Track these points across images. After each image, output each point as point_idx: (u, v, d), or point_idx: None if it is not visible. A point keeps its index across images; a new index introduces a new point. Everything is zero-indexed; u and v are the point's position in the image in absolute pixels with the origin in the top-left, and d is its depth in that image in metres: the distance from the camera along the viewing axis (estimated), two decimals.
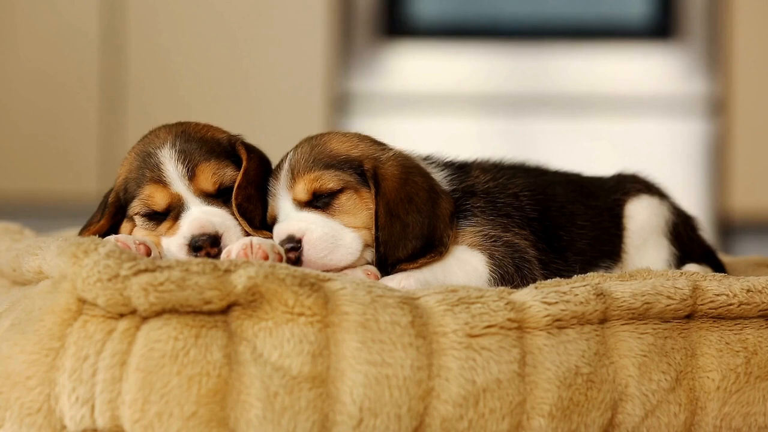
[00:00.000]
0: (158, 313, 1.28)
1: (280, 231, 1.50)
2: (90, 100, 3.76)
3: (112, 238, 1.46)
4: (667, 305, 1.38)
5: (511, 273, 1.51)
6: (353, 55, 3.86)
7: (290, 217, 1.50)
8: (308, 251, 1.47)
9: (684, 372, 1.37)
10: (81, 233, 1.58)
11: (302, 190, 1.51)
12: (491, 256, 1.51)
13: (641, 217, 1.67)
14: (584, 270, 1.57)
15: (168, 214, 1.53)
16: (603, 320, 1.37)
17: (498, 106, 3.83)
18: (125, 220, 1.56)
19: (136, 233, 1.54)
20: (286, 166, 1.53)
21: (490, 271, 1.51)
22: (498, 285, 1.49)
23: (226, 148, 1.57)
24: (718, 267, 1.73)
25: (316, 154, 1.53)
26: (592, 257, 1.62)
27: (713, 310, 1.41)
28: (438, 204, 1.52)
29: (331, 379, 1.27)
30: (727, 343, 1.39)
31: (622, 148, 3.79)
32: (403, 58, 3.86)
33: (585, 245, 1.62)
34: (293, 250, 1.47)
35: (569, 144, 3.77)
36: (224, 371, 1.25)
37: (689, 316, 1.41)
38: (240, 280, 1.28)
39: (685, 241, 1.70)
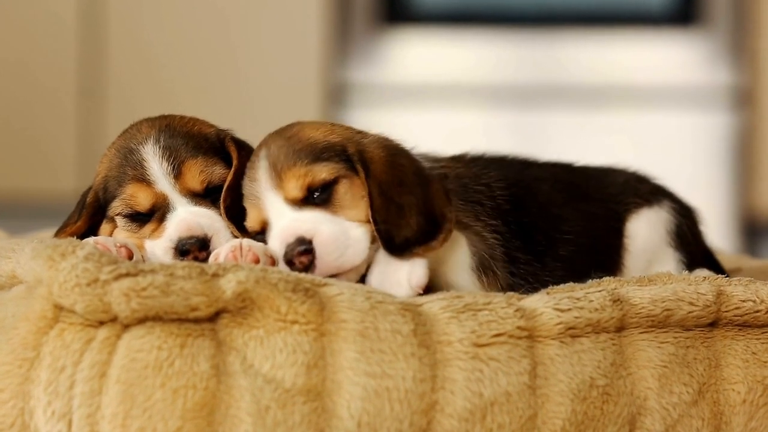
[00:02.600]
0: (141, 321, 1.28)
1: (285, 234, 1.42)
2: (67, 92, 3.76)
3: (91, 240, 1.46)
4: (689, 312, 1.39)
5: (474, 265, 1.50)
6: (351, 42, 3.86)
7: (289, 218, 1.45)
8: (321, 253, 1.41)
9: (707, 384, 1.37)
10: (57, 235, 1.58)
11: (295, 187, 1.45)
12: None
13: (643, 235, 1.67)
14: (568, 279, 1.53)
15: (152, 216, 1.52)
16: (620, 328, 1.37)
17: (506, 97, 3.84)
18: (105, 221, 1.56)
19: (116, 235, 1.54)
20: (263, 164, 1.47)
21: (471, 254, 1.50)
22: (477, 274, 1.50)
23: (214, 144, 1.57)
24: (717, 269, 1.73)
25: (295, 145, 1.48)
26: (581, 266, 1.60)
27: (738, 318, 1.41)
28: (429, 184, 1.49)
29: (327, 392, 1.27)
30: (753, 353, 1.40)
31: (640, 143, 3.80)
32: (404, 46, 3.87)
33: (570, 252, 1.61)
34: (306, 252, 1.41)
35: (583, 138, 3.77)
36: (212, 383, 1.25)
37: (713, 324, 1.41)
38: (229, 285, 1.28)
39: (690, 241, 1.70)
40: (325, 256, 1.41)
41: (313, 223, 1.43)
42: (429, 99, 3.82)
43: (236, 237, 1.50)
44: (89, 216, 1.57)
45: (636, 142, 3.79)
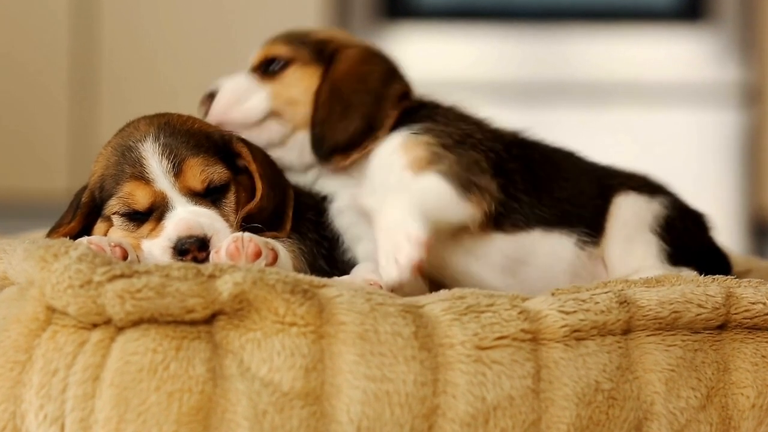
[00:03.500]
0: (135, 323, 1.28)
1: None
2: (59, 87, 3.76)
3: (84, 239, 1.46)
4: (698, 314, 1.39)
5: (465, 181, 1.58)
6: None
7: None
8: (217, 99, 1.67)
9: (716, 388, 1.37)
10: (49, 235, 1.58)
11: (256, 57, 1.70)
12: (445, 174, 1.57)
13: (628, 209, 1.68)
14: (558, 220, 1.63)
15: (150, 215, 1.52)
16: (626, 331, 1.37)
17: (510, 94, 3.84)
18: (100, 220, 1.56)
19: (112, 234, 1.53)
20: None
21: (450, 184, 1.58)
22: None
23: (216, 143, 1.56)
24: (724, 270, 1.73)
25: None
26: (570, 214, 1.65)
27: (748, 320, 1.41)
28: (390, 85, 1.61)
29: (326, 395, 1.27)
30: (763, 356, 1.40)
31: (646, 141, 3.80)
32: (404, 42, 3.87)
33: (564, 197, 1.66)
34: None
35: (588, 137, 3.76)
36: (208, 387, 1.25)
37: (722, 327, 1.41)
38: (225, 286, 1.29)
39: (682, 237, 1.69)
40: (218, 102, 1.68)
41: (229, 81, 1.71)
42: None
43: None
44: (84, 216, 1.56)
45: (642, 140, 3.79)
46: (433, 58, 3.85)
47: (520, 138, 1.73)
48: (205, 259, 1.47)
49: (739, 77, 3.82)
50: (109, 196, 1.53)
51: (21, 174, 3.77)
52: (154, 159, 1.52)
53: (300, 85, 1.68)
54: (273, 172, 1.60)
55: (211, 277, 1.30)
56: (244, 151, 1.57)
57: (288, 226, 1.59)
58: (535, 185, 1.65)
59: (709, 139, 3.83)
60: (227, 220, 1.52)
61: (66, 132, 3.76)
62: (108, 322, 1.28)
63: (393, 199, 1.54)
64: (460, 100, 1.74)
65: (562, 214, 1.65)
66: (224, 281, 1.29)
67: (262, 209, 1.55)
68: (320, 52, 1.69)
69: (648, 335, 1.38)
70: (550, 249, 1.65)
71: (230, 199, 1.55)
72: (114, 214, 1.53)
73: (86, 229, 1.57)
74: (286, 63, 1.69)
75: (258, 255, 1.42)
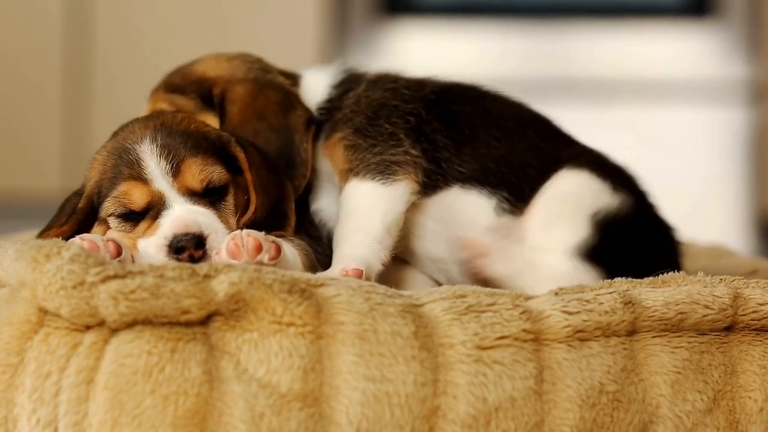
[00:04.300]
0: (129, 325, 1.28)
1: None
2: (52, 86, 3.76)
3: (77, 238, 1.46)
4: (704, 316, 1.39)
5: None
6: (349, 34, 3.87)
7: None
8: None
9: (723, 391, 1.37)
10: (41, 236, 1.57)
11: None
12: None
13: (567, 189, 1.63)
14: (473, 179, 1.63)
15: (146, 215, 1.52)
16: (631, 332, 1.37)
17: (513, 92, 3.83)
18: (97, 223, 1.56)
19: (108, 236, 1.53)
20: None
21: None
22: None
23: (214, 144, 1.57)
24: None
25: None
26: (493, 174, 1.63)
27: (756, 322, 1.41)
28: (291, 113, 1.62)
29: (324, 397, 1.27)
30: None
31: (651, 139, 3.80)
32: (405, 38, 3.87)
33: (491, 156, 1.64)
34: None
35: (592, 134, 3.74)
36: (204, 389, 1.25)
37: (729, 328, 1.41)
38: (221, 286, 1.29)
39: (622, 242, 1.63)
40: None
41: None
42: None
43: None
44: (78, 222, 1.56)
45: (647, 138, 3.79)
46: (434, 55, 3.85)
47: (453, 91, 1.70)
48: (202, 258, 1.47)
49: (745, 74, 3.82)
50: (105, 198, 1.53)
51: (13, 173, 3.77)
52: (152, 160, 1.52)
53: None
54: (268, 174, 1.60)
55: (207, 277, 1.30)
56: (241, 156, 1.57)
57: (292, 223, 1.59)
58: (458, 140, 1.64)
59: (715, 137, 3.83)
60: (225, 222, 1.52)
61: (59, 131, 3.76)
62: (101, 323, 1.28)
63: (348, 232, 1.57)
64: None
65: (484, 172, 1.63)
66: (220, 281, 1.29)
67: (257, 220, 1.55)
68: (205, 96, 1.67)
69: (653, 336, 1.38)
70: (468, 209, 1.63)
71: (229, 201, 1.55)
72: (110, 216, 1.53)
73: (79, 233, 1.57)
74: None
75: (259, 249, 1.43)
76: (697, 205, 3.75)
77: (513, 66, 3.85)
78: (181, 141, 1.53)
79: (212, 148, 1.55)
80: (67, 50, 3.76)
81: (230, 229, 1.51)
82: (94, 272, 1.27)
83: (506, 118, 1.69)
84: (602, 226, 1.61)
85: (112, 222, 1.53)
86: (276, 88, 1.68)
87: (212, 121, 1.65)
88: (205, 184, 1.53)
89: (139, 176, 1.51)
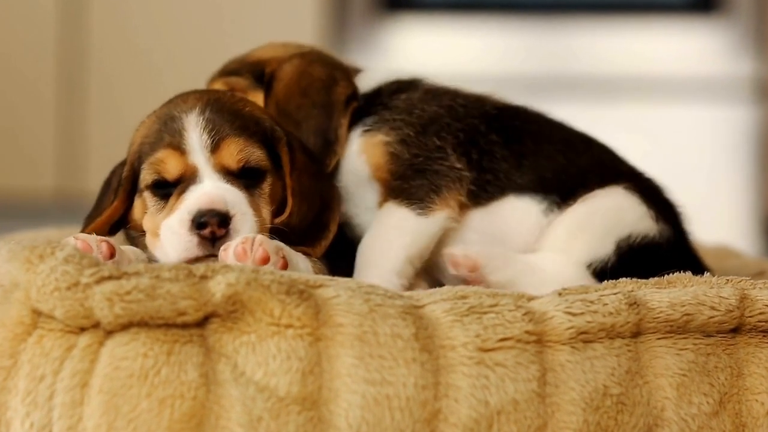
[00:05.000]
0: (125, 327, 1.28)
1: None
2: (46, 85, 3.76)
3: (71, 238, 1.46)
4: (711, 317, 1.39)
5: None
6: (349, 31, 3.87)
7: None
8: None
9: (729, 394, 1.37)
10: (87, 225, 1.57)
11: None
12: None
13: (608, 204, 1.63)
14: (517, 187, 1.63)
15: (177, 189, 1.51)
16: (636, 333, 1.37)
17: (514, 89, 3.81)
18: (137, 197, 1.55)
19: (147, 221, 1.53)
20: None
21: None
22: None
23: (265, 132, 1.56)
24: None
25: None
26: (538, 180, 1.64)
27: (763, 323, 1.41)
28: (333, 91, 1.63)
29: (323, 400, 1.27)
30: None
31: (656, 138, 3.80)
32: (405, 35, 3.87)
33: (547, 170, 1.65)
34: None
35: (596, 133, 3.76)
36: (201, 393, 1.25)
37: (735, 330, 1.41)
38: (218, 287, 1.29)
39: (648, 266, 1.59)
40: None
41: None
42: None
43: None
44: (126, 193, 1.56)
45: (652, 136, 3.79)
46: (435, 52, 3.85)
47: (517, 110, 1.72)
48: (224, 238, 1.45)
49: (752, 72, 3.82)
50: (143, 164, 1.53)
51: (7, 173, 3.77)
52: (194, 132, 1.51)
53: None
54: (311, 183, 1.59)
55: (203, 278, 1.30)
56: (285, 158, 1.56)
57: (324, 245, 1.57)
58: (519, 153, 1.64)
59: (721, 135, 3.83)
60: (257, 209, 1.51)
61: (53, 130, 3.76)
62: (96, 325, 1.28)
63: (371, 251, 1.59)
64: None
65: (541, 181, 1.64)
66: (217, 282, 1.29)
67: (290, 226, 1.53)
68: (258, 76, 1.69)
69: (659, 338, 1.38)
70: (516, 212, 1.64)
71: (265, 189, 1.54)
72: (147, 188, 1.52)
73: (129, 210, 1.57)
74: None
75: (266, 261, 1.42)
76: (703, 205, 3.74)
77: (515, 63, 3.85)
78: (229, 119, 1.53)
79: (260, 134, 1.55)
80: (62, 49, 3.77)
81: (260, 219, 1.50)
82: (89, 273, 1.27)
83: (573, 135, 1.71)
84: (629, 250, 1.61)
85: (148, 198, 1.53)
86: (323, 63, 1.69)
87: (258, 98, 1.67)
88: (241, 164, 1.52)
89: (178, 146, 1.51)
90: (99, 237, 1.47)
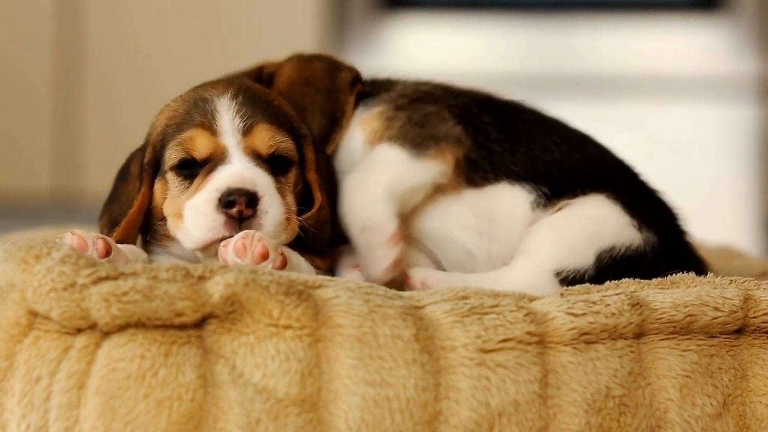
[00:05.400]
0: (122, 328, 1.28)
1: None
2: (43, 84, 3.76)
3: (68, 235, 1.45)
4: (714, 318, 1.39)
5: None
6: (349, 30, 3.87)
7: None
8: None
9: (733, 396, 1.37)
10: (111, 221, 1.56)
11: None
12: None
13: (586, 211, 1.61)
14: (511, 175, 1.63)
15: (203, 169, 1.50)
16: (639, 334, 1.37)
17: (516, 88, 3.81)
18: (157, 181, 1.54)
19: (168, 205, 1.52)
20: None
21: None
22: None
23: (292, 126, 1.56)
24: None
25: None
26: (531, 170, 1.64)
27: (767, 324, 1.41)
28: (337, 76, 1.65)
29: (322, 402, 1.27)
30: None
31: (659, 137, 3.80)
32: (405, 33, 3.87)
33: (546, 159, 1.65)
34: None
35: (598, 132, 3.76)
36: (198, 394, 1.25)
37: (739, 331, 1.41)
38: (216, 288, 1.28)
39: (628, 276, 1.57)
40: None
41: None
42: None
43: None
44: (151, 179, 1.54)
45: (654, 135, 3.79)
46: (435, 51, 3.85)
47: (508, 101, 1.73)
48: (250, 218, 1.45)
49: (756, 70, 3.82)
50: (169, 144, 1.52)
51: (4, 172, 3.77)
52: (227, 114, 1.51)
53: None
54: (332, 190, 1.60)
55: (201, 278, 1.30)
56: (310, 156, 1.57)
57: (329, 253, 1.59)
58: (513, 139, 1.65)
59: (725, 134, 3.83)
60: (282, 196, 1.51)
61: (50, 130, 3.76)
62: (93, 326, 1.28)
63: (356, 180, 1.58)
64: None
65: (534, 172, 1.64)
66: (215, 282, 1.29)
67: (323, 222, 1.54)
68: (258, 78, 1.70)
69: (661, 339, 1.38)
70: (507, 202, 1.63)
71: (290, 178, 1.54)
72: (171, 169, 1.51)
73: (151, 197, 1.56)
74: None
75: (265, 257, 1.42)
76: (706, 204, 3.75)
77: (516, 61, 3.85)
78: (261, 107, 1.54)
79: (288, 126, 1.55)
80: (58, 49, 3.77)
81: (286, 207, 1.50)
82: (86, 273, 1.27)
83: (568, 131, 1.71)
84: (612, 262, 1.59)
85: (171, 179, 1.52)
86: (323, 58, 1.73)
87: None
88: (272, 150, 1.52)
89: (209, 126, 1.51)
90: (95, 234, 1.46)
